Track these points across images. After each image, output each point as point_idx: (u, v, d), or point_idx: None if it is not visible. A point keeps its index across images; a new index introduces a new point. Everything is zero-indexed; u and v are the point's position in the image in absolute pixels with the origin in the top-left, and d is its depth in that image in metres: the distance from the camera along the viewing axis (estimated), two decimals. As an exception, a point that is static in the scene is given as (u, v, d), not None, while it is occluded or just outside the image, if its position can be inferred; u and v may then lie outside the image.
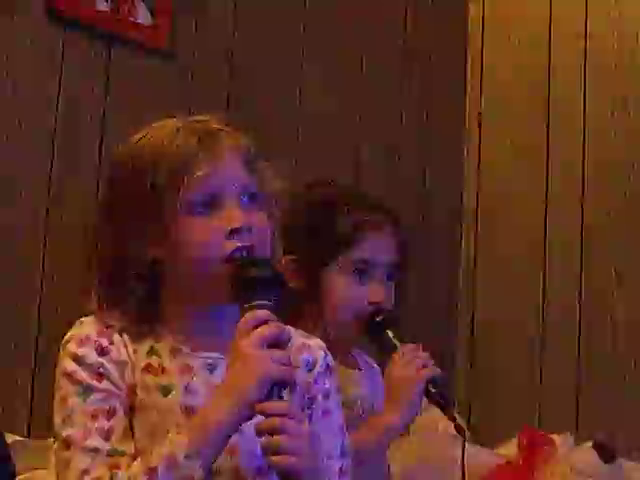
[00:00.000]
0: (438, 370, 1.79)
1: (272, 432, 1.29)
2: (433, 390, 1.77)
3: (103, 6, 2.53)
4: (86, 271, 1.46)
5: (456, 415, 1.80)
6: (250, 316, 1.34)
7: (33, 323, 2.37)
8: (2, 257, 2.33)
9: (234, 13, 2.86)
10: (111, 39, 2.56)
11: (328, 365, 1.53)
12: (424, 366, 1.78)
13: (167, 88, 2.66)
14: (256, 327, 1.33)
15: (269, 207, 1.48)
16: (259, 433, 1.30)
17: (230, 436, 1.32)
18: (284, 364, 1.32)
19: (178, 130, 1.44)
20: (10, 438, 1.98)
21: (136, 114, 2.56)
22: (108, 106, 2.54)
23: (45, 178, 2.42)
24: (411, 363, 1.78)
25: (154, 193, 1.39)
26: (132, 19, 2.58)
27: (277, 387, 1.31)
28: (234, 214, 1.40)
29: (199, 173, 1.39)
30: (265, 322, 1.34)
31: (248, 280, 1.37)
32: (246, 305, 1.36)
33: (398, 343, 1.82)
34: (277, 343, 1.33)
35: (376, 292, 1.84)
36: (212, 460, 1.31)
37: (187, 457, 1.28)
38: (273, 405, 1.31)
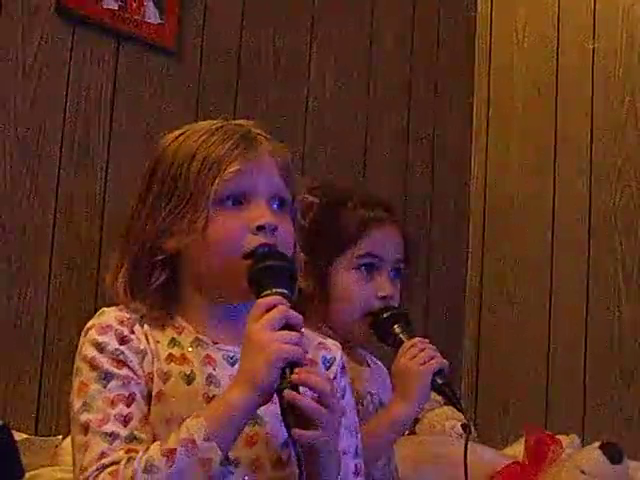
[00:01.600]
0: (445, 362, 1.78)
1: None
2: (440, 382, 1.77)
3: (111, 4, 2.53)
4: (114, 262, 1.47)
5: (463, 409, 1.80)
6: (261, 302, 1.35)
7: (40, 322, 2.37)
8: (10, 257, 2.33)
9: (242, 12, 2.87)
10: (119, 37, 2.56)
11: (343, 364, 1.54)
12: (431, 358, 1.78)
13: (175, 86, 2.67)
14: (267, 312, 1.33)
15: (295, 218, 1.50)
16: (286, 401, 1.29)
17: (247, 420, 1.32)
18: (295, 344, 1.31)
19: (218, 129, 1.46)
20: (17, 436, 1.98)
21: (144, 112, 2.57)
22: (116, 104, 2.54)
23: (53, 176, 2.42)
24: (418, 355, 1.77)
25: (187, 183, 1.41)
26: (140, 17, 2.59)
27: (290, 368, 1.30)
28: (262, 212, 1.42)
29: (233, 168, 1.42)
30: (275, 306, 1.34)
31: (263, 269, 1.38)
32: (260, 295, 1.37)
33: (405, 338, 1.82)
34: (288, 325, 1.33)
35: (383, 286, 1.84)
36: (230, 445, 1.31)
37: (206, 439, 1.28)
38: (312, 376, 1.31)
